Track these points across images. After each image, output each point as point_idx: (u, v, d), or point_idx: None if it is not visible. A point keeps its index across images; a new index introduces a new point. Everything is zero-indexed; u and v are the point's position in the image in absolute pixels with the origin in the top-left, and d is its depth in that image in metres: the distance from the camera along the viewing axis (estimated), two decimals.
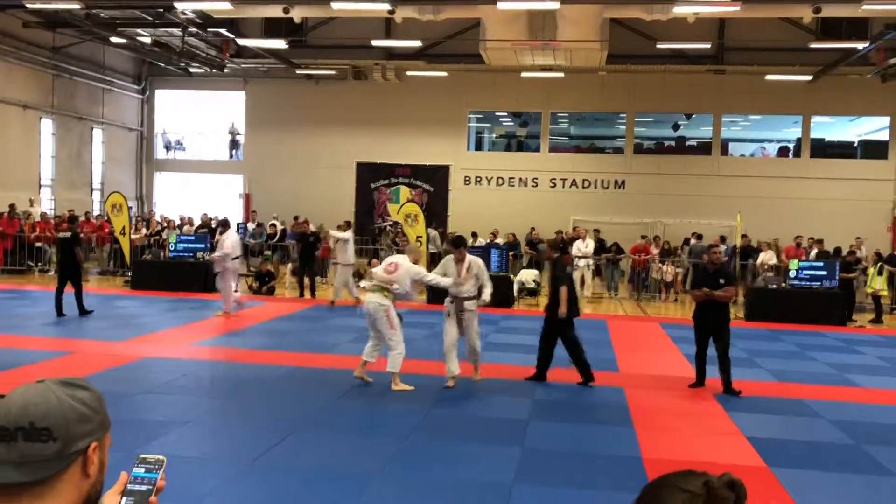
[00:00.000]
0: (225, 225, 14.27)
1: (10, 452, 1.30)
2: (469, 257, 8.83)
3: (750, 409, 7.94)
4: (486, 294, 8.80)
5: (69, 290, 12.37)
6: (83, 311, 12.48)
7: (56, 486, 1.33)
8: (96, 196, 25.78)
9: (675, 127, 26.92)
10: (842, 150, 25.86)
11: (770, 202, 23.87)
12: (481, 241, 19.69)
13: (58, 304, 12.30)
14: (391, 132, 26.14)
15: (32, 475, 1.30)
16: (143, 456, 1.47)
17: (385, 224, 23.32)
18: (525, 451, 6.30)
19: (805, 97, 24.09)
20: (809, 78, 23.03)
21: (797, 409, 8.05)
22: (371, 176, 26.21)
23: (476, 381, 8.73)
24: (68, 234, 12.88)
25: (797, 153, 25.45)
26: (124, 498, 1.40)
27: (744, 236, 19.35)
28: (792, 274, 15.48)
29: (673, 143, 26.85)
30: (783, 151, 26.26)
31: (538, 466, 5.94)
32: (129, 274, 17.62)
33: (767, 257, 18.09)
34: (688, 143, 26.78)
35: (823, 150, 25.41)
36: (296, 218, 22.96)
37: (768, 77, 23.03)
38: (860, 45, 20.08)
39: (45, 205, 22.87)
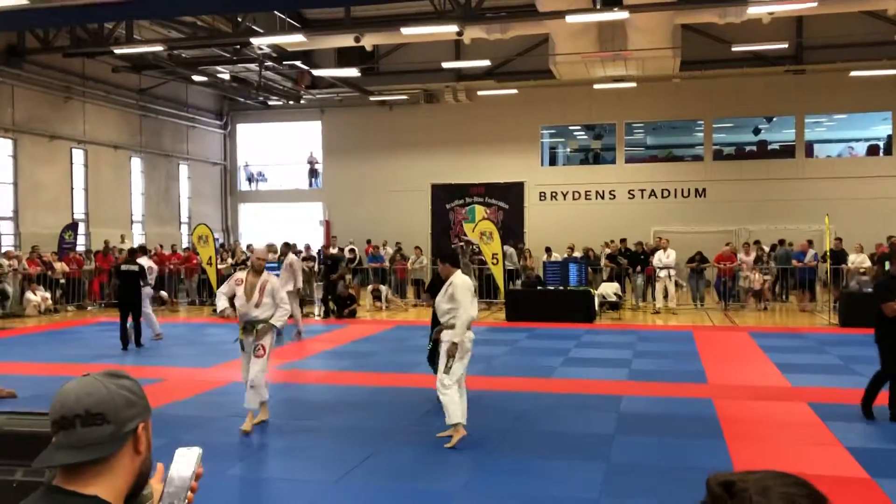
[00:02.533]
0: (142, 251, 14.70)
1: (70, 438, 1.47)
2: (452, 277, 6.93)
3: (848, 418, 7.55)
4: (453, 329, 6.71)
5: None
6: (139, 343, 12.71)
7: (113, 463, 1.50)
8: (184, 229, 26.75)
9: (756, 131, 26.16)
10: None
11: (861, 203, 22.87)
12: (557, 257, 19.49)
13: (124, 336, 12.58)
14: (464, 152, 26.29)
15: (92, 455, 1.47)
16: (180, 449, 1.63)
17: (461, 243, 23.38)
18: (611, 465, 6.15)
19: (894, 92, 23.06)
20: None
21: None
22: (446, 197, 26.38)
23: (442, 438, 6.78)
24: (135, 268, 12.88)
25: (888, 151, 24.35)
26: (167, 487, 1.56)
27: (838, 239, 18.60)
28: None
29: (754, 147, 26.09)
30: (873, 150, 25.15)
31: (625, 481, 5.79)
32: None
33: (860, 260, 17.29)
34: (770, 146, 25.97)
35: None
36: (368, 242, 23.28)
37: (852, 73, 22.16)
38: None
39: (137, 240, 23.83)
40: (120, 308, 12.86)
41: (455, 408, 6.67)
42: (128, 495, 1.54)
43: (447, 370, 6.73)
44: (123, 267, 13.04)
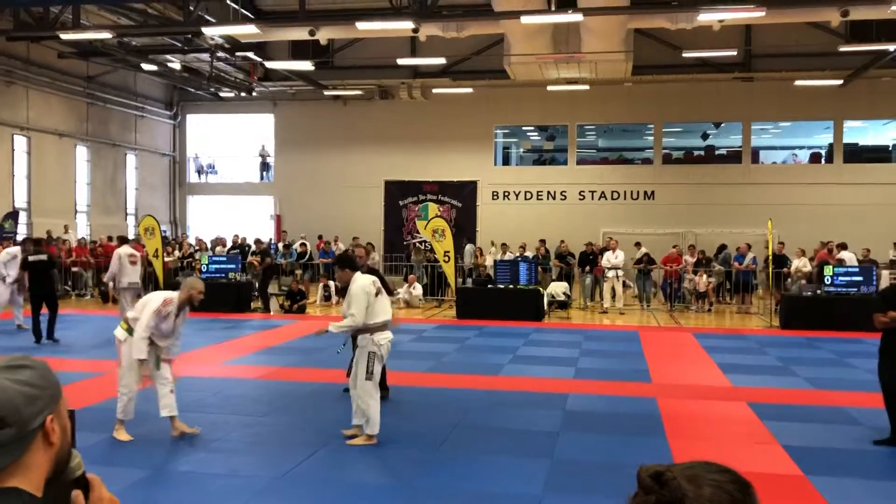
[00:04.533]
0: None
1: None
2: (351, 283, 6.79)
3: (786, 417, 7.77)
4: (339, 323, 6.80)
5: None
6: (52, 337, 12.24)
7: (23, 462, 1.38)
8: (131, 221, 26.20)
9: (704, 136, 26.70)
10: (877, 154, 25.42)
11: (803, 209, 23.52)
12: (510, 255, 19.62)
13: (37, 328, 12.20)
14: (418, 150, 26.28)
15: None
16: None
17: (414, 241, 23.41)
18: (555, 462, 6.22)
19: (836, 102, 23.76)
20: (840, 82, 22.73)
21: (836, 417, 7.86)
22: (399, 194, 26.35)
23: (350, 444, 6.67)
24: (44, 258, 12.46)
25: (829, 159, 25.08)
26: None
27: (781, 244, 19.07)
28: (827, 280, 15.18)
29: (702, 152, 26.63)
30: (815, 157, 25.88)
31: (568, 478, 5.87)
32: None
33: (801, 264, 17.77)
34: (717, 151, 26.54)
35: (857, 154, 25.01)
36: (320, 237, 23.13)
37: (797, 83, 22.76)
38: (891, 47, 19.77)
39: (81, 230, 23.28)
40: (32, 301, 12.37)
41: (378, 417, 6.67)
42: (50, 477, 1.42)
43: (369, 376, 6.68)
44: (31, 258, 12.49)
